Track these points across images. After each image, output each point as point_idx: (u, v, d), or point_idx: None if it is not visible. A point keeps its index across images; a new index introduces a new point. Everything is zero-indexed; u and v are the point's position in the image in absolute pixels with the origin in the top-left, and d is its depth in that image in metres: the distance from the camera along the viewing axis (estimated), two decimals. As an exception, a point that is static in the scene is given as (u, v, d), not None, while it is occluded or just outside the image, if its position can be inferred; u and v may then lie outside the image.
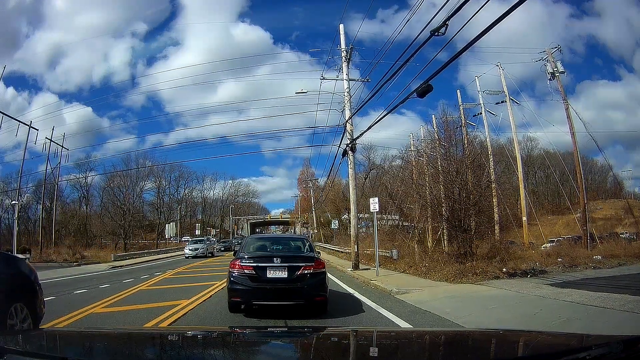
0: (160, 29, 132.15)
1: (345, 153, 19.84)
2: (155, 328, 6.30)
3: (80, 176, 72.19)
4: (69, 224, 72.05)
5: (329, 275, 9.07)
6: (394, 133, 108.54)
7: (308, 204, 74.28)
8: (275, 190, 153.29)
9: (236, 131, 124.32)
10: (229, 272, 8.02)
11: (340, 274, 17.79)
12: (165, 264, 25.47)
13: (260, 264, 7.81)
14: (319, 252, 10.69)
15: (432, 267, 15.63)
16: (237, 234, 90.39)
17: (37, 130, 43.54)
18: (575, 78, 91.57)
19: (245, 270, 7.77)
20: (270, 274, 7.70)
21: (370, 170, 59.08)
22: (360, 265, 18.95)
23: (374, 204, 15.24)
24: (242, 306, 8.11)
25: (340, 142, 20.46)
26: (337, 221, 38.26)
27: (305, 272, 7.76)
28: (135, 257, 35.62)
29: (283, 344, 2.89)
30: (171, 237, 46.53)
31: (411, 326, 7.04)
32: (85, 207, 79.02)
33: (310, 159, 75.18)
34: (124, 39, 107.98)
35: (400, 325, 7.35)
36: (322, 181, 61.20)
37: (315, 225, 57.37)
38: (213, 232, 69.85)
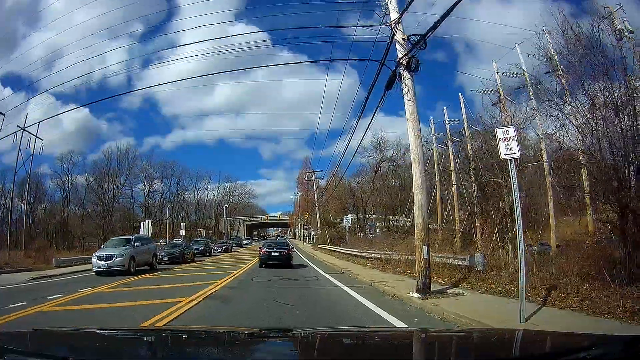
0: (156, 30, 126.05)
1: (393, 80, 10.61)
2: (156, 327, 5.85)
3: (61, 173, 63.06)
4: (48, 225, 64.53)
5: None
6: (393, 134, 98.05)
7: (308, 205, 65.92)
8: (274, 193, 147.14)
9: (234, 132, 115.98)
10: (259, 253, 19.80)
11: (397, 309, 8.27)
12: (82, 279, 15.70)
13: (269, 250, 19.45)
14: (294, 247, 26.54)
15: (602, 295, 6.53)
16: (231, 235, 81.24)
17: (3, 115, 35.38)
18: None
19: (265, 252, 19.32)
20: (273, 254, 19.19)
21: (382, 162, 49.99)
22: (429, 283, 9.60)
23: (510, 140, 5.96)
24: (263, 265, 19.01)
25: (381, 65, 11.27)
26: (350, 217, 29.04)
27: (285, 253, 19.47)
28: (90, 263, 26.55)
29: (282, 343, 2.76)
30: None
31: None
32: (67, 206, 69.73)
33: (312, 160, 65.21)
34: (119, 40, 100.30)
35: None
36: (322, 182, 53.14)
37: (318, 225, 47.90)
38: (203, 233, 60.15)
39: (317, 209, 46.78)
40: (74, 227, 65.33)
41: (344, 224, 29.57)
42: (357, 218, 49.68)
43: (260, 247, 20.74)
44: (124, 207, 67.18)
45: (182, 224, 48.16)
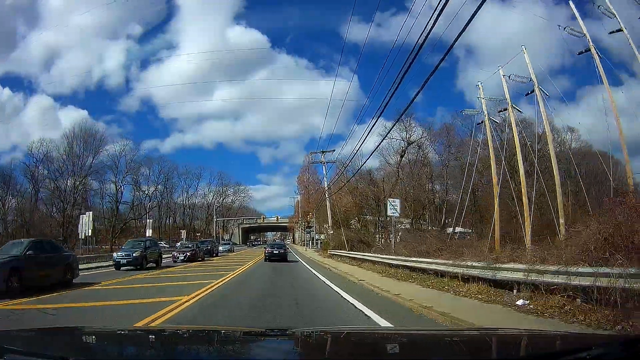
0: (154, 31, 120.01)
1: None
2: (155, 327, 5.73)
3: (30, 165, 51.58)
4: (15, 222, 54.57)
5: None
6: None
7: (310, 207, 54.44)
8: (273, 198, 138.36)
9: (233, 136, 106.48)
10: (264, 251, 28.66)
11: None
12: None
13: (272, 249, 27.75)
14: (289, 249, 37.09)
15: None
16: (223, 239, 69.33)
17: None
18: (576, 82, 71.03)
19: (269, 251, 27.58)
20: (274, 252, 26.97)
21: (409, 144, 38.19)
22: None
23: None
24: (267, 260, 26.00)
25: None
26: (397, 201, 17.24)
27: (283, 251, 27.46)
28: None
29: (277, 342, 2.60)
30: (87, 236, 25.06)
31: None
32: (35, 201, 58.13)
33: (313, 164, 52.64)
34: (118, 41, 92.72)
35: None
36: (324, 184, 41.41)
37: (330, 224, 35.64)
38: (183, 234, 48.02)
39: (327, 200, 34.52)
40: (39, 224, 54.99)
41: (389, 213, 17.74)
42: (378, 217, 37.75)
43: (265, 247, 30.89)
44: (108, 207, 56.41)
45: (149, 221, 36.22)
